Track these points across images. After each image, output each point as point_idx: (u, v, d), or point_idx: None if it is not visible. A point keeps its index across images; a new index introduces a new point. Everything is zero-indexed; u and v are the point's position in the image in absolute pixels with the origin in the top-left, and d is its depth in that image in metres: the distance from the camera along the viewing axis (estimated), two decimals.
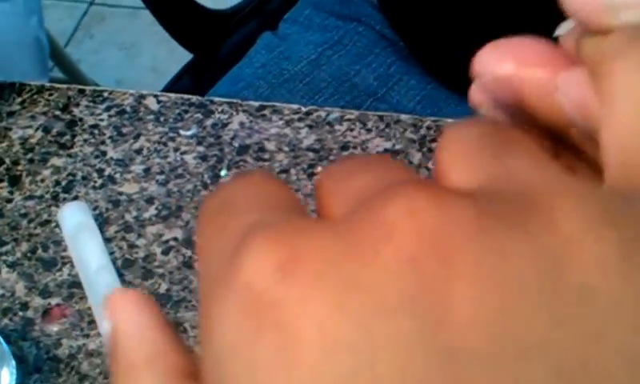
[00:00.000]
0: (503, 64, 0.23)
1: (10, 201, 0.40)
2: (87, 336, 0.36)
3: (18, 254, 0.38)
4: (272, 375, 0.14)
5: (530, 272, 0.15)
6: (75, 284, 0.37)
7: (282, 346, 0.14)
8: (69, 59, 1.21)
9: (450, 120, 0.43)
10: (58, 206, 0.40)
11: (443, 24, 0.67)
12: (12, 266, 0.38)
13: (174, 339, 0.18)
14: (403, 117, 0.43)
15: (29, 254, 0.38)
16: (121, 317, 0.20)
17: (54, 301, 0.37)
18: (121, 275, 0.37)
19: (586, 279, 0.15)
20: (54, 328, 0.37)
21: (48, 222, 0.39)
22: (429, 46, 0.70)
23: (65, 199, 0.40)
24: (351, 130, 0.42)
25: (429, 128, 0.42)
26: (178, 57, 0.97)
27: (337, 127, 0.43)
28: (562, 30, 0.25)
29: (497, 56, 0.23)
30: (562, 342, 0.14)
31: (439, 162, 0.20)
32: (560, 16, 0.26)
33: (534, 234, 0.15)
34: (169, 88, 0.92)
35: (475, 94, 0.23)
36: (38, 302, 0.37)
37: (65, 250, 0.38)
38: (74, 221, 0.38)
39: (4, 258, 0.38)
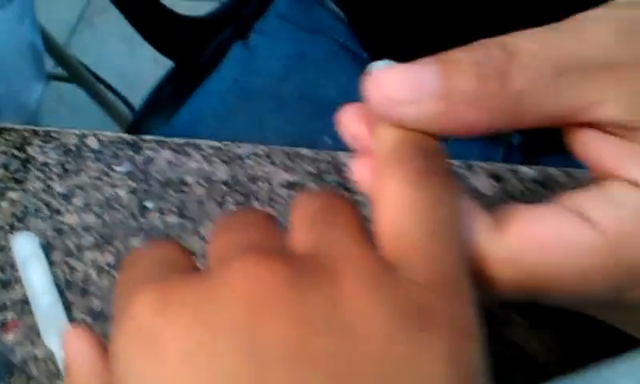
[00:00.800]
0: (355, 125, 0.33)
1: None
2: (36, 345, 0.45)
3: None
4: (150, 375, 0.26)
5: (319, 314, 0.25)
6: (26, 301, 0.46)
7: (155, 354, 0.26)
8: (67, 55, 1.29)
9: (345, 154, 0.50)
10: (12, 234, 0.48)
11: (405, 34, 0.72)
12: None
13: None
14: (304, 151, 0.51)
15: None
16: (74, 351, 0.32)
17: (9, 315, 0.46)
18: (62, 294, 0.46)
19: (353, 321, 0.25)
20: (10, 338, 0.46)
21: (4, 247, 0.48)
22: (390, 53, 0.76)
23: (20, 228, 0.49)
24: (259, 164, 0.50)
25: (326, 162, 0.50)
26: None
27: (247, 162, 0.50)
28: (373, 68, 0.32)
29: (352, 117, 0.33)
30: (332, 359, 0.25)
31: (290, 222, 0.31)
32: None
33: (325, 291, 0.26)
34: (152, 97, 0.99)
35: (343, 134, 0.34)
36: None
37: (18, 271, 0.47)
38: (24, 249, 0.47)
39: None
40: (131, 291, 0.28)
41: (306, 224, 0.30)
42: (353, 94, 0.88)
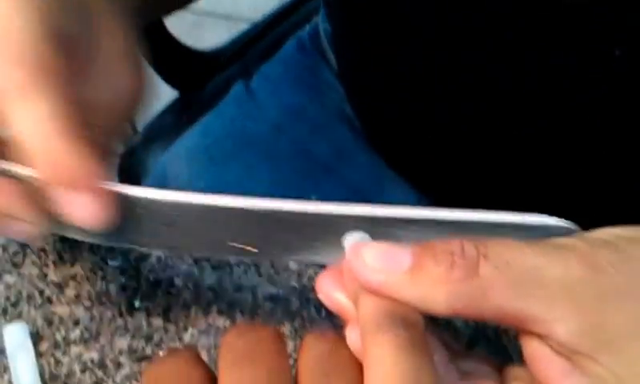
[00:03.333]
0: (334, 292, 0.37)
1: None
2: None
3: None
4: None
5: None
6: None
7: None
8: None
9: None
10: (6, 318, 0.51)
11: (396, 110, 0.74)
12: None
13: None
14: (291, 265, 0.53)
15: None
16: None
17: None
18: None
19: None
20: None
21: None
22: (381, 129, 0.78)
23: (12, 313, 0.51)
24: (246, 272, 0.53)
25: (310, 278, 0.52)
26: None
27: (235, 269, 0.53)
28: (347, 237, 0.36)
29: (330, 283, 0.37)
30: None
31: (297, 365, 0.35)
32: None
33: None
34: (151, 126, 1.00)
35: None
36: None
37: (7, 359, 0.49)
38: (14, 340, 0.49)
39: None
40: None
41: (310, 370, 0.34)
42: (344, 158, 0.89)
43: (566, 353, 0.33)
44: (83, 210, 0.38)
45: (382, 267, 0.34)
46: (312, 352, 0.34)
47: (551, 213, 0.36)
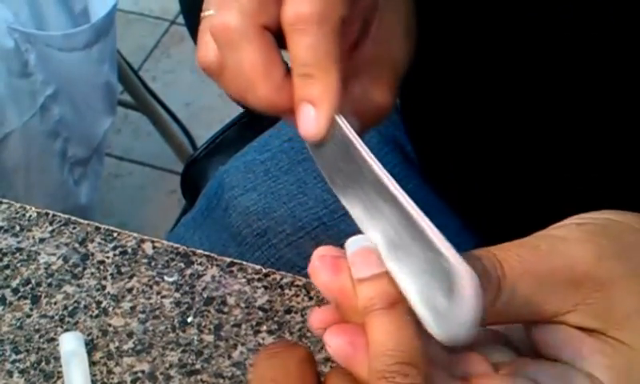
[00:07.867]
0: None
1: (29, 316, 0.53)
2: None
3: (27, 363, 0.51)
4: None
5: None
6: None
7: None
8: (136, 84, 1.34)
9: None
10: (62, 327, 0.52)
11: (449, 141, 0.75)
12: (22, 372, 0.51)
13: None
14: None
15: (35, 365, 0.51)
16: None
17: None
18: None
19: None
20: None
21: (53, 339, 0.52)
22: (433, 158, 0.79)
23: (69, 322, 0.53)
24: (297, 295, 0.54)
25: None
26: None
27: (286, 291, 0.54)
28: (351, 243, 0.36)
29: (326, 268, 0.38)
30: None
31: None
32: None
33: None
34: (220, 134, 1.04)
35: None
36: None
37: (62, 366, 0.51)
38: (70, 348, 0.50)
39: (17, 364, 0.51)
40: None
41: None
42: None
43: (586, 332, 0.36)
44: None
45: None
46: None
47: None
